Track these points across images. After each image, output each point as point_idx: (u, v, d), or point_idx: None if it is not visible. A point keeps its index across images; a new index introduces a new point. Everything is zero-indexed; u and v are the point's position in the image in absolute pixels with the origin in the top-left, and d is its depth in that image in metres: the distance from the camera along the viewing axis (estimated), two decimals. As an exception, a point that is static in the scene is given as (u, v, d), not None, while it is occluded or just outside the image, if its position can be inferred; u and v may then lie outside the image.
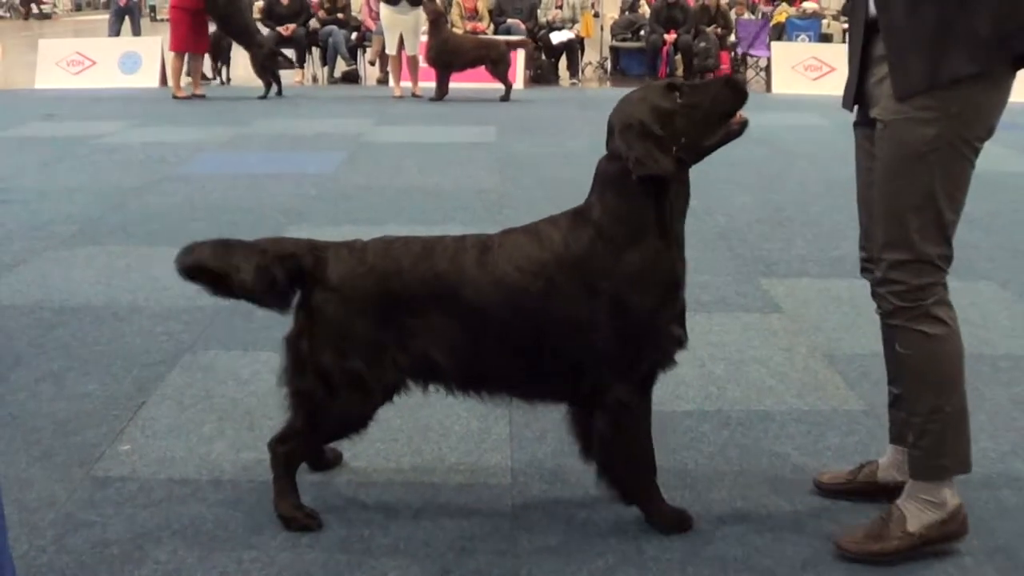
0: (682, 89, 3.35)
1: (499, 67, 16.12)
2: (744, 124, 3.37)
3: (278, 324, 3.61)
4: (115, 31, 20.20)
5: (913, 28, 3.15)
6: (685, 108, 3.31)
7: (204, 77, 17.01)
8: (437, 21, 15.81)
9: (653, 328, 3.37)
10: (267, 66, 16.12)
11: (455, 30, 17.56)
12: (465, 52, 16.03)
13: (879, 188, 3.31)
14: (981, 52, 3.09)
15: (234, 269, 3.45)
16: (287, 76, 17.29)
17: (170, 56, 16.35)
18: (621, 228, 3.31)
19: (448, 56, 15.87)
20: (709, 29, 19.66)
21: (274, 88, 16.20)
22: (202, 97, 15.99)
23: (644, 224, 3.30)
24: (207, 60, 17.50)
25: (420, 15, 16.21)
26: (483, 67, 16.23)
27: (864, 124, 3.47)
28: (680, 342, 3.46)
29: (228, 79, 18.62)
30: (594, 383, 3.41)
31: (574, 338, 3.36)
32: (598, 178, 3.40)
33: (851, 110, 3.52)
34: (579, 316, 3.33)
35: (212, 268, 3.47)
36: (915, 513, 3.38)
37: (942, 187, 3.19)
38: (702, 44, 19.22)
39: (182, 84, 16.09)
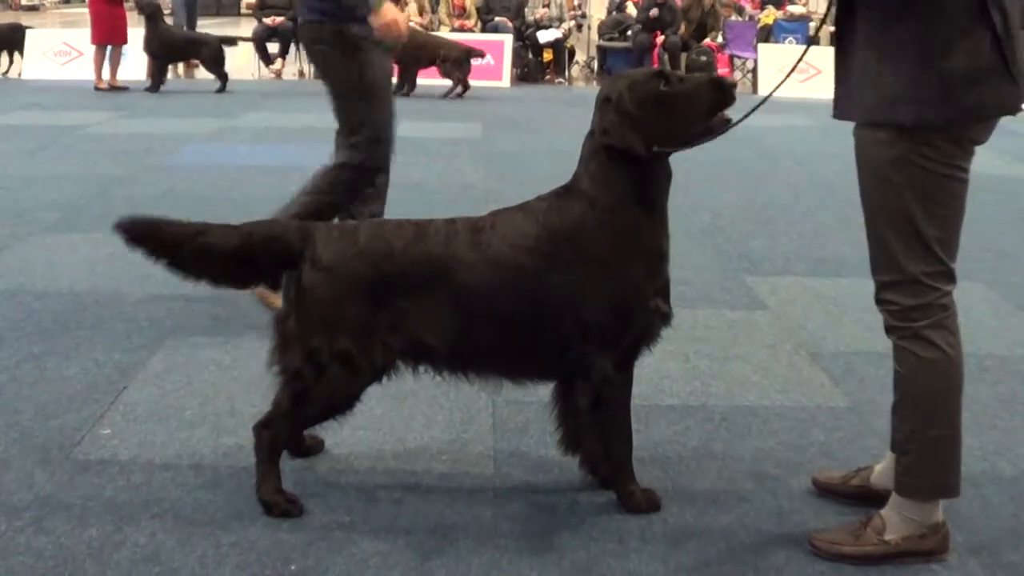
0: (670, 79, 3.37)
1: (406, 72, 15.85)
2: (727, 122, 3.37)
3: (260, 312, 3.60)
4: None
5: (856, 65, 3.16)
6: (667, 96, 3.32)
7: None
8: None
9: (640, 298, 3.39)
10: (219, 60, 16.16)
11: (443, 28, 17.40)
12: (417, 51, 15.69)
13: (862, 205, 3.26)
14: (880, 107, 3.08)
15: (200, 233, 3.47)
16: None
17: (92, 49, 16.37)
18: (609, 195, 3.34)
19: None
20: (707, 41, 19.52)
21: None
22: (124, 89, 16.00)
23: (628, 193, 3.34)
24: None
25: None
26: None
27: None
28: (665, 316, 3.49)
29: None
30: (579, 357, 3.43)
31: (565, 311, 3.37)
32: (583, 152, 3.44)
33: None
34: (572, 287, 3.34)
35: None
36: (895, 523, 3.32)
37: (918, 206, 3.08)
38: (703, 58, 18.98)
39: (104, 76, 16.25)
